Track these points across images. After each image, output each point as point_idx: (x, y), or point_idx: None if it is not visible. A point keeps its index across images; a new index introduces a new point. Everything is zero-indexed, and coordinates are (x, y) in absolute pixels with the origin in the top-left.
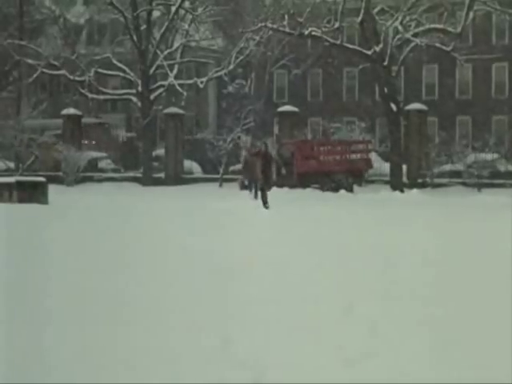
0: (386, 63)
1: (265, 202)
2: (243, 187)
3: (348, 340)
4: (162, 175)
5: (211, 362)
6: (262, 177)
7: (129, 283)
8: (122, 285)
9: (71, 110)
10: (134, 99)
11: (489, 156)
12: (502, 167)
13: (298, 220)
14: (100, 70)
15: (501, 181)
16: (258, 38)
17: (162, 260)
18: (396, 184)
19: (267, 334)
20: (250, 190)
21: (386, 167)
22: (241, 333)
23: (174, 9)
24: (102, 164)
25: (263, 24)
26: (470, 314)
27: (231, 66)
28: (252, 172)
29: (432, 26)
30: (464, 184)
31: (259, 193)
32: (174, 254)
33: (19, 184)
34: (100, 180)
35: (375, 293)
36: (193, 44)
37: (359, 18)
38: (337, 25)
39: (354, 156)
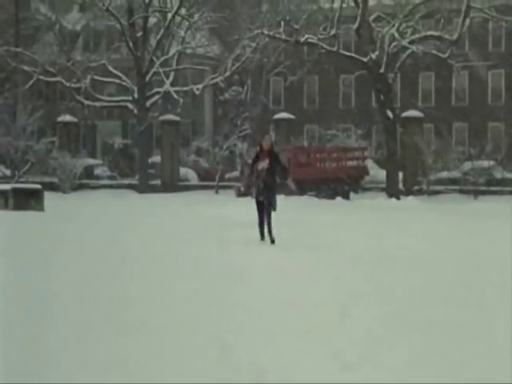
0: (382, 70)
1: (269, 232)
2: (240, 194)
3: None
4: (157, 182)
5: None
6: (263, 188)
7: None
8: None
9: (67, 117)
10: (130, 106)
11: (485, 163)
12: (499, 174)
13: (296, 227)
14: (96, 77)
15: (497, 188)
16: (254, 44)
17: (158, 267)
18: (392, 191)
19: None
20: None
21: (382, 174)
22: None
23: (170, 16)
24: (97, 171)
25: (259, 31)
26: (466, 318)
27: (227, 73)
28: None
29: (428, 33)
30: (460, 191)
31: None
32: (166, 260)
33: (15, 191)
34: (96, 187)
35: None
36: (189, 51)
37: (355, 25)
38: (333, 32)
39: (350, 163)
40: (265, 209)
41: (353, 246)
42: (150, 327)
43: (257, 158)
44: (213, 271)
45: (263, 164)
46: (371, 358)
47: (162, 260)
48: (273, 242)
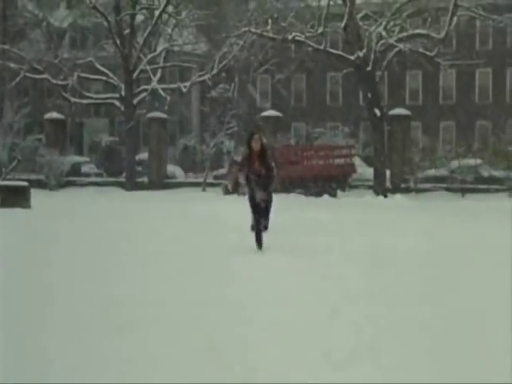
0: (369, 68)
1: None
2: (227, 192)
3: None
4: (145, 179)
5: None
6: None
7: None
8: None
9: (54, 114)
10: (117, 103)
11: (472, 161)
12: (486, 172)
13: (283, 226)
14: (83, 74)
15: (484, 186)
16: (241, 42)
17: (146, 266)
18: (379, 189)
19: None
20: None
21: (369, 172)
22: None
23: (157, 13)
24: (84, 168)
25: (247, 29)
26: (458, 316)
27: (215, 71)
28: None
29: (416, 31)
30: (448, 189)
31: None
32: (154, 258)
33: (2, 188)
34: (83, 184)
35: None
36: (176, 48)
37: (343, 23)
38: (320, 30)
39: (337, 161)
40: (262, 211)
41: (341, 245)
42: (140, 326)
43: (246, 162)
44: (202, 270)
45: (256, 170)
46: (363, 356)
47: (151, 258)
48: (259, 247)
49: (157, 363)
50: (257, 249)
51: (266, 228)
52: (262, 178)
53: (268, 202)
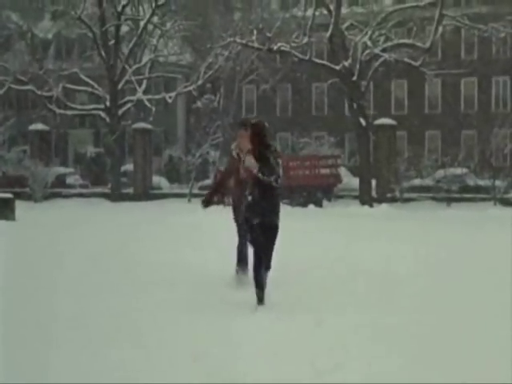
0: (354, 78)
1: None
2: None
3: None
4: (130, 191)
5: None
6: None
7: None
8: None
9: (39, 126)
10: (102, 114)
11: (458, 170)
12: (472, 182)
13: None
14: (68, 85)
15: (470, 195)
16: (226, 53)
17: (130, 276)
18: (365, 199)
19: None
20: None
21: (355, 182)
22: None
23: (142, 24)
24: (70, 180)
25: (232, 39)
26: (447, 325)
27: (200, 81)
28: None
29: (401, 41)
30: (433, 198)
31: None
32: (139, 269)
33: None
34: (68, 196)
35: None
36: (161, 59)
37: (328, 33)
38: (305, 40)
39: (323, 171)
40: (266, 239)
41: (326, 255)
42: (125, 337)
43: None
44: (186, 279)
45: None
46: (346, 365)
47: (135, 269)
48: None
49: (140, 371)
50: (257, 304)
51: (268, 268)
52: (259, 197)
53: (273, 230)
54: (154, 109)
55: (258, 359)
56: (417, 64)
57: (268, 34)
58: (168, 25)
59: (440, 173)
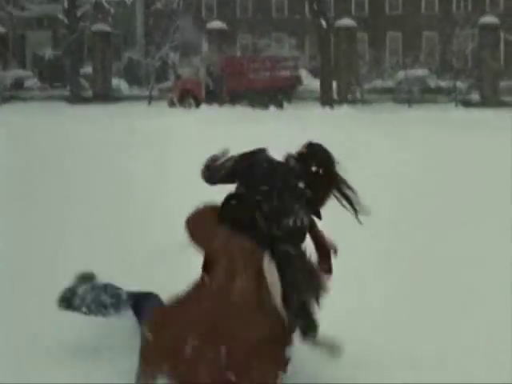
0: None
1: None
2: (172, 104)
3: None
4: (89, 93)
5: None
6: None
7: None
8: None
9: None
10: (60, 16)
11: (419, 72)
12: (433, 83)
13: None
14: None
15: (431, 96)
16: None
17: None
18: (326, 100)
19: None
20: None
21: (315, 84)
22: None
23: None
24: (28, 83)
25: None
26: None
27: None
28: None
29: None
30: (394, 100)
31: None
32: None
33: None
34: (26, 99)
35: None
36: None
37: None
38: None
39: (283, 72)
40: None
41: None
42: None
43: None
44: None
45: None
46: None
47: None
48: None
49: None
50: None
51: None
52: None
53: None
54: (112, 10)
55: None
56: None
57: None
58: None
59: (401, 74)
